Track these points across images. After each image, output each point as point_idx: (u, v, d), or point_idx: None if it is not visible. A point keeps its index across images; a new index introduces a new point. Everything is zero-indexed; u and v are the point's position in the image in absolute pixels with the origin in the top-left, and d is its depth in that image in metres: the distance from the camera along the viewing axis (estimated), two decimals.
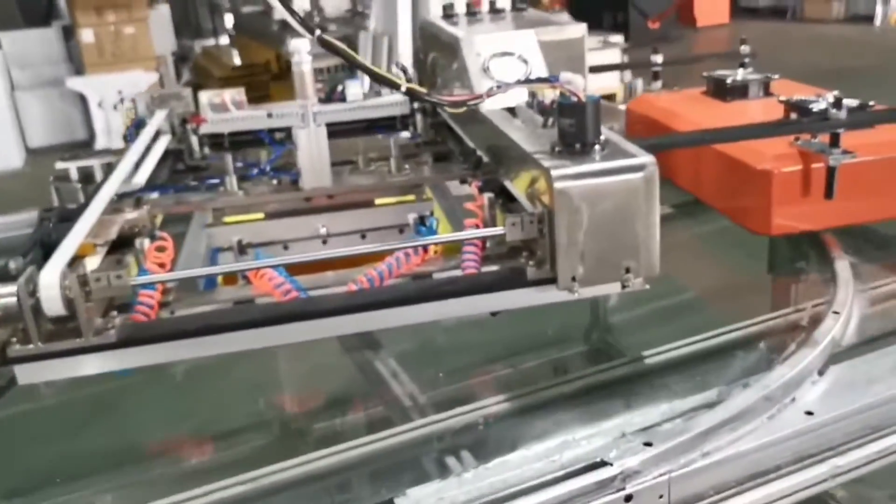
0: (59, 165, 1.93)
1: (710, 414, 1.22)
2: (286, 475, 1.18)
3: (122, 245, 1.40)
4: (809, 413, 1.26)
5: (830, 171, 1.54)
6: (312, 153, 1.53)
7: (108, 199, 1.48)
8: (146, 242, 1.37)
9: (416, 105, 1.83)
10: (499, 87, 1.34)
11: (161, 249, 1.38)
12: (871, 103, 1.72)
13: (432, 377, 1.59)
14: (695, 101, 2.02)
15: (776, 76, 2.02)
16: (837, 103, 1.55)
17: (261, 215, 1.58)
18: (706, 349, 1.50)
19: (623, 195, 1.23)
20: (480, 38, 1.73)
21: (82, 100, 6.98)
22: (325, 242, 1.56)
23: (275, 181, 1.57)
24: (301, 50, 1.55)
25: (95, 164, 1.89)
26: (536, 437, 1.22)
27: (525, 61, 1.71)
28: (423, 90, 1.32)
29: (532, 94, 1.56)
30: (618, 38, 6.72)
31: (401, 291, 1.29)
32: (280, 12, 1.18)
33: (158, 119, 2.09)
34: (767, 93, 1.99)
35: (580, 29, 1.78)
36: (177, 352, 1.22)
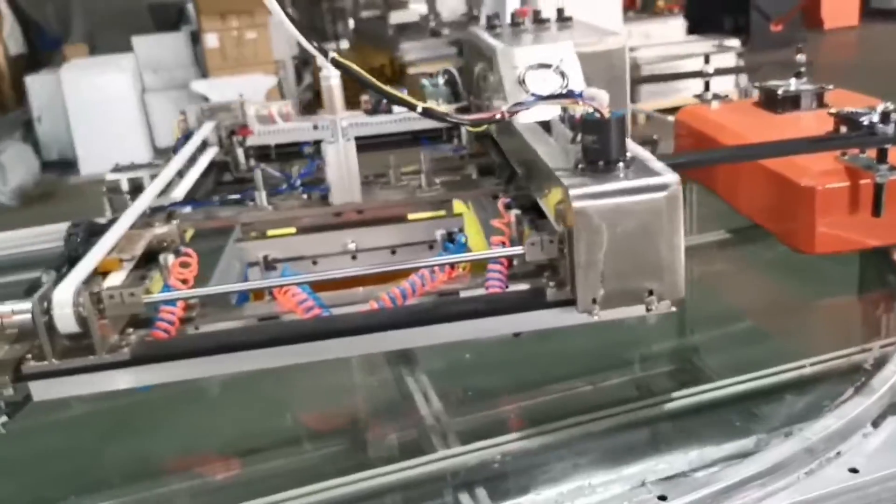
0: (110, 177, 1.99)
1: (739, 466, 1.13)
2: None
3: (150, 260, 1.43)
4: (854, 471, 1.13)
5: (877, 188, 1.47)
6: (342, 168, 1.52)
7: (137, 214, 1.50)
8: (170, 258, 1.38)
9: None
10: (520, 103, 1.31)
11: (185, 265, 1.39)
12: None
13: (463, 400, 1.57)
14: (744, 113, 1.95)
15: (830, 86, 1.93)
16: (885, 117, 1.47)
17: (292, 230, 1.58)
18: (751, 390, 1.39)
19: (645, 215, 1.19)
20: (517, 50, 1.71)
21: (206, 102, 7.16)
22: (354, 258, 1.55)
23: (305, 196, 1.57)
24: (328, 65, 1.54)
25: (145, 175, 1.94)
26: (553, 480, 1.17)
27: (562, 74, 1.67)
28: (442, 109, 1.30)
29: (564, 108, 1.53)
30: (733, 42, 6.57)
31: (417, 312, 1.27)
32: (293, 33, 1.18)
33: (205, 131, 2.13)
34: (821, 104, 1.90)
35: (620, 40, 1.73)
36: (189, 370, 1.23)
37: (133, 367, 1.19)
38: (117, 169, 2.03)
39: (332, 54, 1.23)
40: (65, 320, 1.15)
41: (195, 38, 7.69)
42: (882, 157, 1.45)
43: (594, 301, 1.21)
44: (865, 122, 1.59)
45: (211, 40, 7.36)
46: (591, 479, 1.15)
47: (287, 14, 1.18)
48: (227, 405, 1.51)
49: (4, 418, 1.18)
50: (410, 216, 1.61)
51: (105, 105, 6.92)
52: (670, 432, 1.30)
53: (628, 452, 1.23)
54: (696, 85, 6.28)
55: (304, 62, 8.18)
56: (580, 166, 1.26)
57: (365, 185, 1.61)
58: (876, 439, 1.19)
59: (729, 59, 6.40)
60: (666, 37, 7.10)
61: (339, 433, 1.48)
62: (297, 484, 1.19)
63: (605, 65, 1.73)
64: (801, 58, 2.11)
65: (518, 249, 1.27)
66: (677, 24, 7.30)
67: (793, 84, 1.93)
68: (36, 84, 7.28)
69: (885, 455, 1.16)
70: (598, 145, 1.25)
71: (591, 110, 1.27)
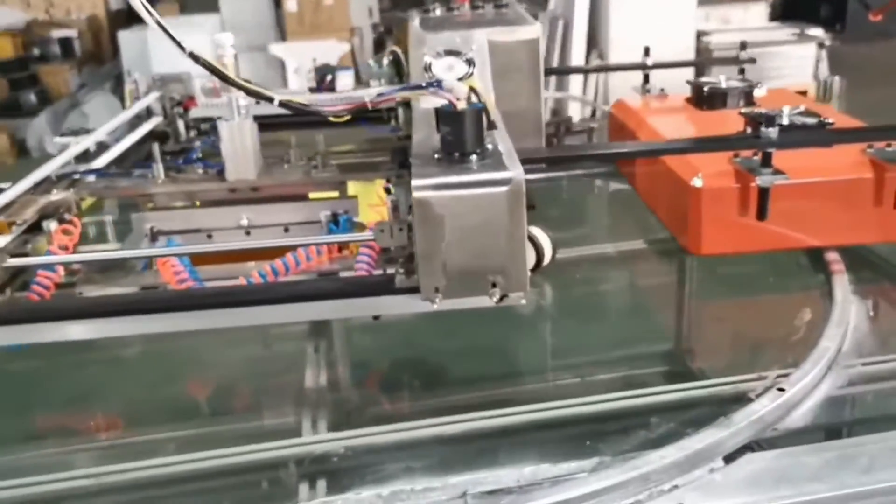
0: (58, 140, 2.05)
1: (563, 486, 1.10)
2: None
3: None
4: None
5: (762, 192, 1.45)
6: (236, 145, 1.55)
7: (36, 180, 1.56)
8: (53, 225, 1.43)
9: None
10: (380, 94, 1.32)
11: (67, 233, 1.44)
12: (830, 121, 1.61)
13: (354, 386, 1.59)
14: (671, 109, 1.93)
15: (759, 84, 1.90)
16: (771, 120, 1.45)
17: (186, 203, 1.61)
18: (616, 410, 1.32)
19: (486, 208, 1.20)
20: (430, 35, 1.71)
21: (282, 65, 7.31)
22: (248, 234, 1.59)
23: (200, 170, 1.60)
24: (224, 43, 1.57)
25: (91, 142, 1.99)
26: (380, 480, 1.17)
27: (470, 62, 1.68)
28: (299, 102, 1.31)
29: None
30: (816, 31, 6.40)
31: (271, 290, 1.31)
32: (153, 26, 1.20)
33: (148, 100, 2.18)
34: (750, 102, 1.88)
35: (535, 30, 1.73)
36: (52, 333, 1.27)
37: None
38: (65, 134, 2.09)
39: (190, 50, 1.26)
40: None
41: (278, 2, 7.70)
42: (766, 160, 1.44)
43: (437, 290, 1.24)
44: (767, 125, 1.58)
45: (290, 4, 7.40)
46: (415, 484, 1.14)
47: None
48: (113, 369, 1.56)
49: None
50: (309, 196, 1.64)
51: (185, 64, 6.97)
52: (518, 445, 1.27)
53: (465, 461, 1.21)
54: (797, 72, 6.16)
55: (387, 30, 8.18)
56: (436, 156, 1.28)
57: (268, 164, 1.65)
58: (721, 476, 1.13)
59: (810, 50, 6.23)
60: (746, 22, 6.96)
61: (199, 408, 1.50)
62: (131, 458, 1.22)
63: (518, 55, 1.73)
64: (744, 55, 2.09)
65: (369, 235, 1.29)
66: (759, 10, 7.10)
67: (723, 81, 1.90)
68: (127, 39, 7.32)
69: (723, 494, 1.10)
70: (452, 137, 1.26)
71: (446, 102, 1.28)
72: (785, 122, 1.63)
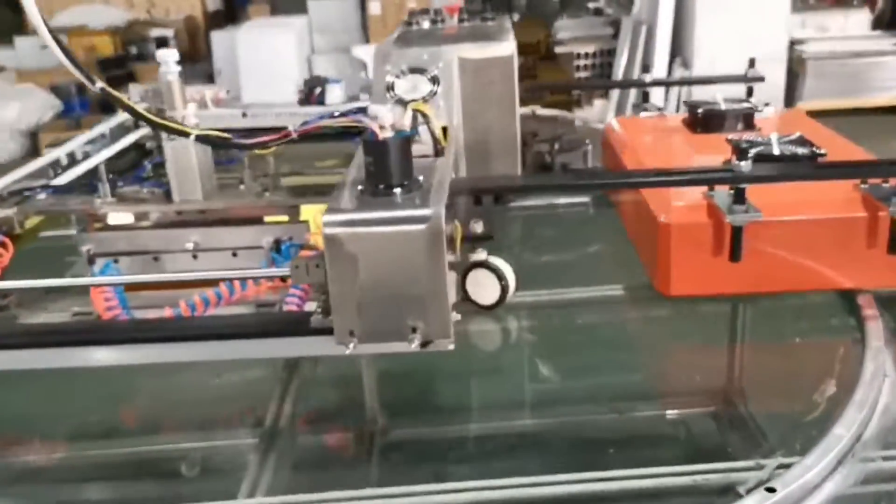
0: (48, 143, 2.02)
1: None
2: None
3: None
4: None
5: (734, 231, 1.32)
6: (181, 166, 1.49)
7: None
8: None
9: None
10: (306, 122, 1.23)
11: None
12: (822, 152, 1.46)
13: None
14: (662, 130, 1.79)
15: (763, 107, 1.75)
16: (744, 152, 1.31)
17: (130, 222, 1.55)
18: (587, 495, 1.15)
19: (402, 248, 1.11)
20: (396, 51, 1.62)
21: (364, 67, 7.31)
22: (195, 257, 1.52)
23: (145, 191, 1.54)
24: (168, 60, 1.50)
25: (77, 148, 1.96)
26: None
27: (435, 80, 1.58)
28: (221, 134, 1.23)
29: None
30: None
31: (181, 327, 1.23)
32: (60, 57, 1.14)
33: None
34: (749, 126, 1.73)
35: (508, 46, 1.62)
36: None
37: None
38: (53, 144, 2.07)
39: (100, 84, 1.19)
40: None
41: (364, 4, 7.83)
42: (738, 196, 1.31)
43: (351, 333, 1.14)
44: (751, 154, 1.45)
45: (374, 7, 7.55)
46: None
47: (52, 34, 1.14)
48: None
49: None
50: (269, 219, 1.56)
51: (271, 64, 7.05)
52: None
53: None
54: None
55: None
56: (359, 188, 1.18)
57: (221, 185, 1.58)
58: None
59: None
60: (846, 30, 6.65)
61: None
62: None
63: (490, 72, 1.62)
64: (753, 72, 1.94)
65: (285, 270, 1.20)
66: (861, 18, 6.75)
67: (721, 101, 1.76)
68: (219, 39, 7.62)
69: None
70: (374, 168, 1.17)
71: (375, 129, 1.18)
72: (775, 151, 1.49)
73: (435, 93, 1.55)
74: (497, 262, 1.49)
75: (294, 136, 1.24)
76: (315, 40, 7.70)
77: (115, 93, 1.21)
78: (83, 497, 1.31)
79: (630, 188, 1.39)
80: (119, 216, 1.51)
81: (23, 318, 1.42)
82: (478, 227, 1.47)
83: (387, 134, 1.17)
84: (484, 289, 1.50)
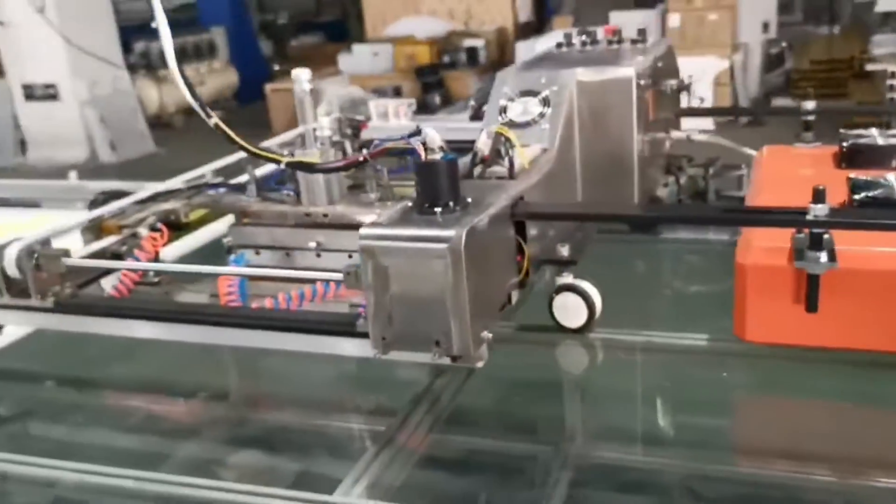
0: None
1: None
2: None
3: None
4: None
5: (810, 279, 1.22)
6: (308, 175, 1.66)
7: (158, 189, 1.81)
8: (144, 232, 1.66)
9: None
10: (375, 145, 1.35)
11: (155, 239, 1.66)
12: None
13: None
14: (803, 164, 1.66)
15: None
16: (854, 192, 1.19)
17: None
18: None
19: (424, 265, 1.18)
20: (514, 74, 1.67)
21: None
22: (318, 255, 1.69)
23: (284, 193, 1.73)
24: (301, 78, 1.67)
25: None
26: None
27: (546, 103, 1.60)
28: (306, 160, 1.39)
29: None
30: None
31: (250, 317, 1.42)
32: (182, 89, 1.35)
33: (322, 123, 2.37)
34: None
35: (628, 71, 1.60)
36: (89, 326, 1.50)
37: (55, 313, 1.50)
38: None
39: (215, 119, 1.38)
40: (10, 267, 1.49)
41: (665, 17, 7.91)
42: (815, 241, 1.21)
43: (384, 339, 1.24)
44: (860, 196, 1.33)
45: (674, 20, 7.60)
46: None
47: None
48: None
49: None
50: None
51: None
52: None
53: None
54: None
55: (789, 45, 7.87)
56: (408, 204, 1.27)
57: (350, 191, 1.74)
58: None
59: None
60: None
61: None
62: None
63: (610, 96, 1.61)
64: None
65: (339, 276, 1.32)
66: None
67: (877, 136, 1.60)
68: (523, 49, 7.89)
69: None
70: (422, 187, 1.24)
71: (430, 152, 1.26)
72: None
73: (544, 115, 1.58)
74: (584, 284, 1.50)
75: (361, 159, 1.37)
76: None
77: (225, 127, 1.39)
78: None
79: (683, 224, 1.34)
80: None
81: (172, 295, 1.67)
82: (564, 251, 1.49)
83: (434, 156, 1.24)
84: (571, 312, 1.51)
